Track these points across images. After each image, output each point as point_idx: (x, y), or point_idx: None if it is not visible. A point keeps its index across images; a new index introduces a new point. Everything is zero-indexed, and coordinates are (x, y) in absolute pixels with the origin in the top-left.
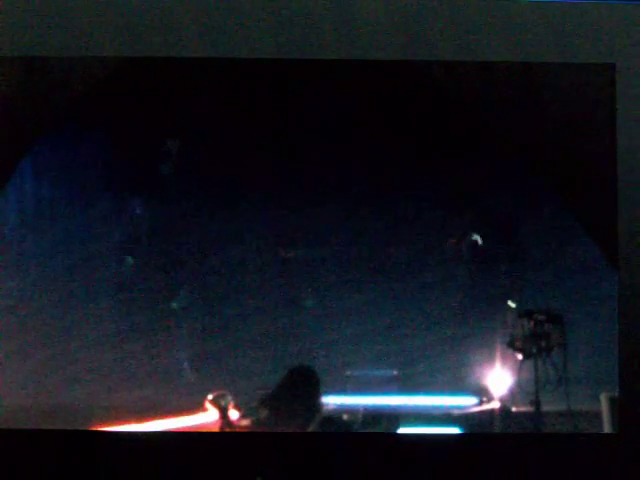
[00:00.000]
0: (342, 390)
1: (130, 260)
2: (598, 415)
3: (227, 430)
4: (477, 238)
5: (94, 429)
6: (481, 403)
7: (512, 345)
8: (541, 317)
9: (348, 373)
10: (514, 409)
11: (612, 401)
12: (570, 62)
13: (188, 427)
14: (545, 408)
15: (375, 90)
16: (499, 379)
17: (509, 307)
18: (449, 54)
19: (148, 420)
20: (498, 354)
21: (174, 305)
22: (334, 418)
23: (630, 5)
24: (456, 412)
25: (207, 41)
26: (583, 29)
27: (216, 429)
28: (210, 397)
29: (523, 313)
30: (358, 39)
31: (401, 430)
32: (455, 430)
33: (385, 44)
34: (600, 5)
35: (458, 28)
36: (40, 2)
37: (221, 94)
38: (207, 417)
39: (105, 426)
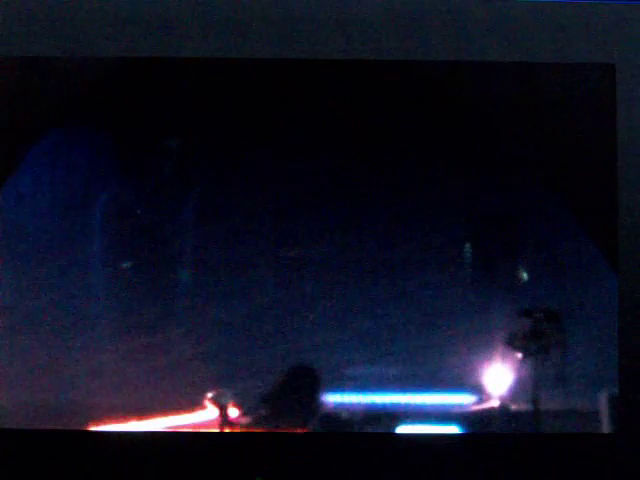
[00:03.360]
0: (342, 388)
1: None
2: (597, 414)
3: (227, 429)
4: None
5: (94, 429)
6: (480, 401)
7: (511, 344)
8: (540, 316)
9: (348, 371)
10: (513, 408)
11: (612, 400)
12: (570, 62)
13: (187, 425)
14: (544, 407)
15: (375, 90)
16: (498, 377)
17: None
18: (449, 54)
19: (148, 419)
20: (497, 353)
21: (174, 304)
22: (333, 416)
23: (630, 5)
24: (455, 410)
25: (207, 41)
26: (583, 29)
27: (215, 427)
28: (210, 395)
29: (522, 312)
30: (358, 39)
31: (401, 428)
32: (454, 428)
33: (385, 44)
34: (600, 5)
35: (458, 28)
36: (40, 2)
37: (221, 94)
38: (206, 415)
39: (104, 426)
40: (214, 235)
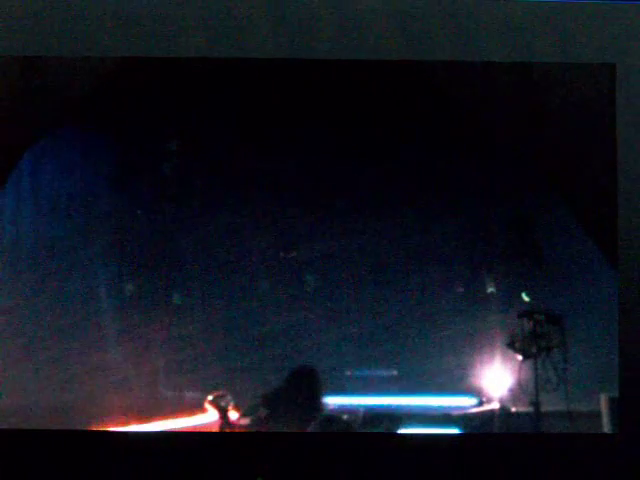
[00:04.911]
0: (342, 390)
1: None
2: (598, 415)
3: (227, 430)
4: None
5: (94, 429)
6: (481, 404)
7: (512, 345)
8: (541, 317)
9: (348, 373)
10: (514, 409)
11: (612, 401)
12: (570, 62)
13: (188, 428)
14: (545, 408)
15: (375, 90)
16: (499, 379)
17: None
18: (449, 54)
19: (148, 420)
20: (498, 354)
21: (174, 305)
22: (334, 418)
23: (630, 5)
24: (456, 412)
25: (207, 41)
26: (583, 29)
27: (216, 429)
28: (210, 398)
29: (523, 313)
30: (358, 39)
31: (401, 430)
32: (455, 430)
33: (385, 44)
34: (600, 5)
35: (458, 28)
36: (40, 2)
37: (221, 94)
38: (207, 418)
39: (105, 426)
40: (214, 236)
